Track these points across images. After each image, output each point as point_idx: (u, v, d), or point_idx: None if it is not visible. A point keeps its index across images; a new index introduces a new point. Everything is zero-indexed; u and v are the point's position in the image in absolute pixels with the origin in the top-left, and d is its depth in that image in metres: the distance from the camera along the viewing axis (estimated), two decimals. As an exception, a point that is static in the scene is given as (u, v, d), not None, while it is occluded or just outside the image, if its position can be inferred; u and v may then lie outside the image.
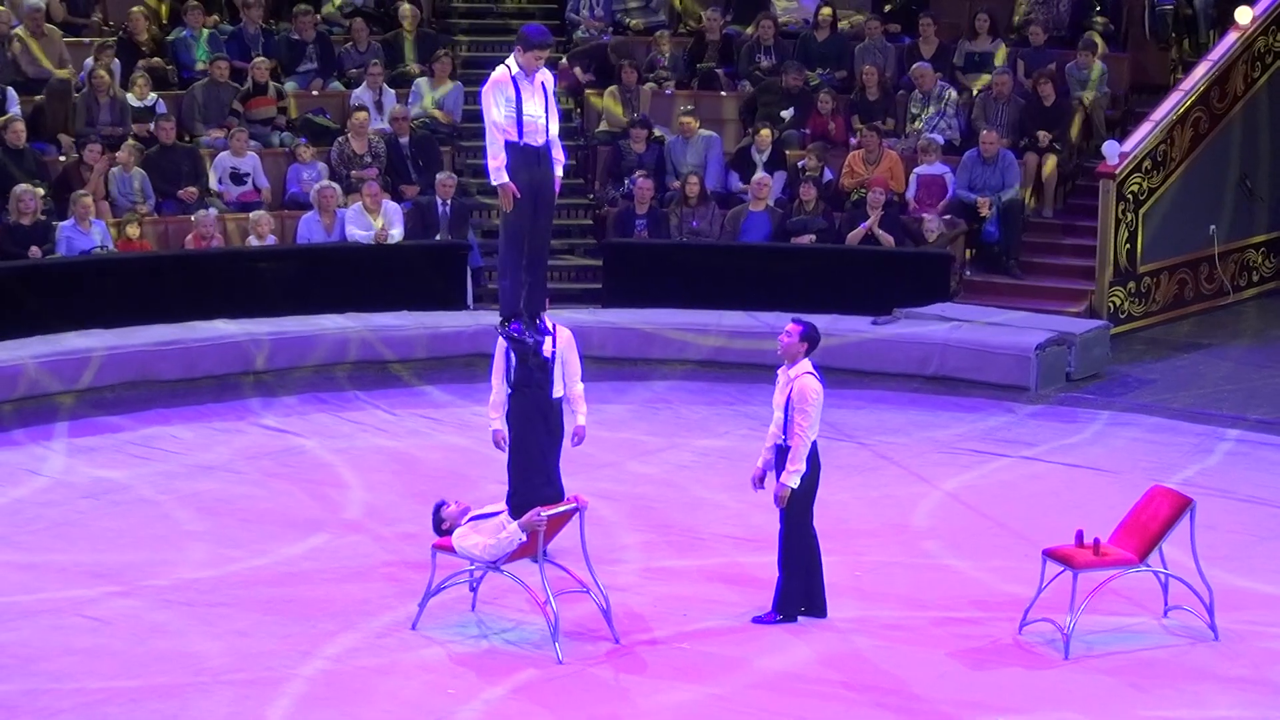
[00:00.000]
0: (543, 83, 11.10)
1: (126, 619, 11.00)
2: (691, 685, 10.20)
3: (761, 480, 11.18)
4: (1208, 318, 19.05)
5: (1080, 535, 10.85)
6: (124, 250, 17.25)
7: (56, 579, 11.70)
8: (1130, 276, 18.44)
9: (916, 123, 19.51)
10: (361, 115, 18.79)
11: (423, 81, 19.77)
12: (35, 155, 17.81)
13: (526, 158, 11.02)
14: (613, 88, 20.20)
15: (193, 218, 17.65)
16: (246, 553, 12.24)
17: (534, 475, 11.04)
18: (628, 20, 21.45)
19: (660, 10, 21.60)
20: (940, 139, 19.15)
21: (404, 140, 18.98)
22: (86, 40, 19.66)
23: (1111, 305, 18.22)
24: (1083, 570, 10.67)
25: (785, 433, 10.91)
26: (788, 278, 17.82)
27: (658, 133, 19.63)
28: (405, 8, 20.46)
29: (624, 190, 19.10)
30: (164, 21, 20.39)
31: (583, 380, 11.57)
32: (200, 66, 19.52)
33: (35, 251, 16.78)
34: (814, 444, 10.93)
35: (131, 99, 18.73)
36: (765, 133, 19.16)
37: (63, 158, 18.10)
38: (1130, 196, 18.27)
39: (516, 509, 10.74)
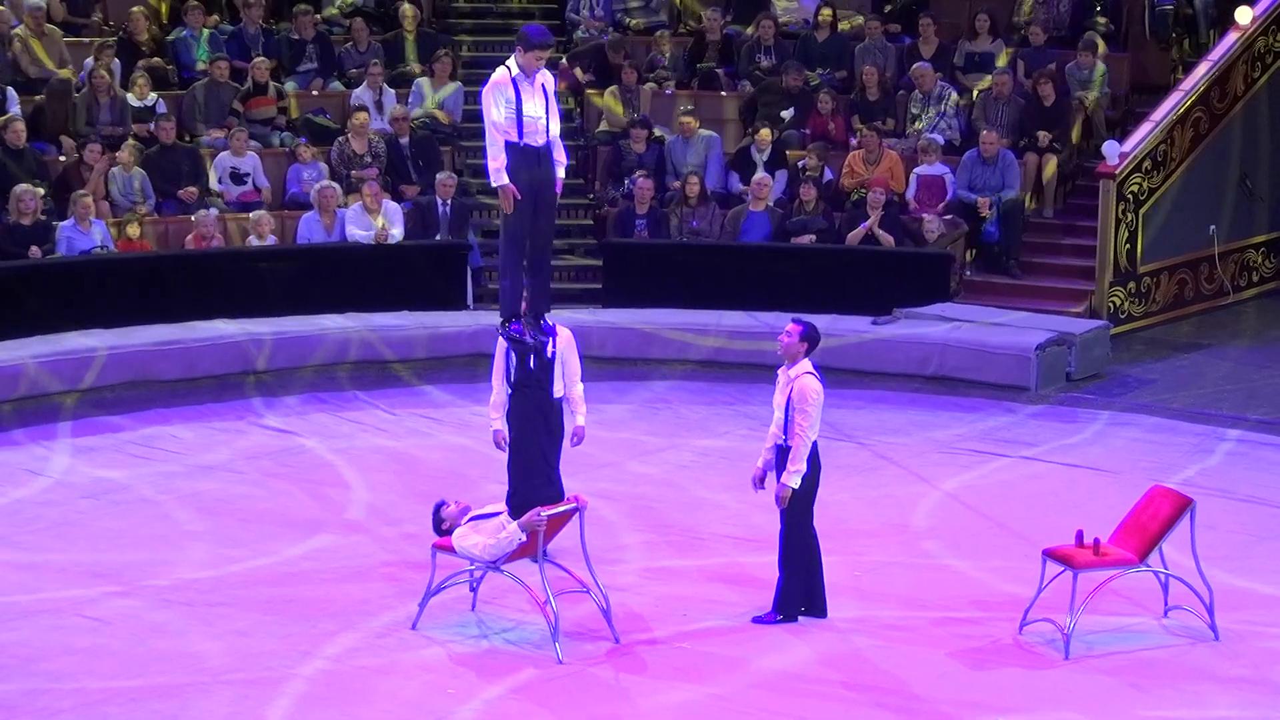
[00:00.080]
0: (543, 84, 11.10)
1: (126, 619, 11.00)
2: (691, 685, 10.20)
3: (762, 480, 11.18)
4: (1208, 318, 19.06)
5: (1080, 535, 10.85)
6: (124, 250, 17.25)
7: (56, 579, 11.70)
8: (1130, 277, 18.44)
9: (918, 123, 19.51)
10: (362, 116, 18.79)
11: (424, 81, 19.77)
12: (35, 155, 17.81)
13: (527, 158, 11.03)
14: (613, 87, 20.20)
15: (193, 218, 17.66)
16: (246, 553, 12.24)
17: (534, 475, 11.05)
18: (628, 20, 21.45)
19: (661, 10, 21.60)
20: (940, 139, 19.15)
21: (404, 140, 18.99)
22: (86, 40, 19.67)
23: (1112, 305, 18.22)
24: (1083, 570, 10.67)
25: (785, 433, 10.91)
26: (788, 278, 17.82)
27: (658, 133, 19.63)
28: (406, 8, 20.46)
29: (624, 190, 19.10)
30: (164, 21, 20.41)
31: (583, 380, 11.57)
32: (200, 66, 19.53)
33: (35, 251, 16.78)
34: (814, 444, 10.93)
35: (132, 99, 18.73)
36: (765, 133, 19.16)
37: (63, 158, 18.11)
38: (1130, 197, 18.27)
39: (516, 509, 10.74)
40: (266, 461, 14.37)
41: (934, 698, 10.07)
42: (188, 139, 18.87)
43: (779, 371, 11.13)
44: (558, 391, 11.31)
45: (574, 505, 10.79)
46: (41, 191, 17.20)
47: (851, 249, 18.17)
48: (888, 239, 18.11)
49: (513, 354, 11.16)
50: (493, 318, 12.71)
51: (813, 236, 18.38)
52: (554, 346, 11.25)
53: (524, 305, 11.22)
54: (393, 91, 19.62)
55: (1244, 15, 19.03)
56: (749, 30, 20.79)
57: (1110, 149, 18.20)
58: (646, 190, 18.64)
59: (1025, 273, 18.69)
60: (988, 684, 10.27)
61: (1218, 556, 11.61)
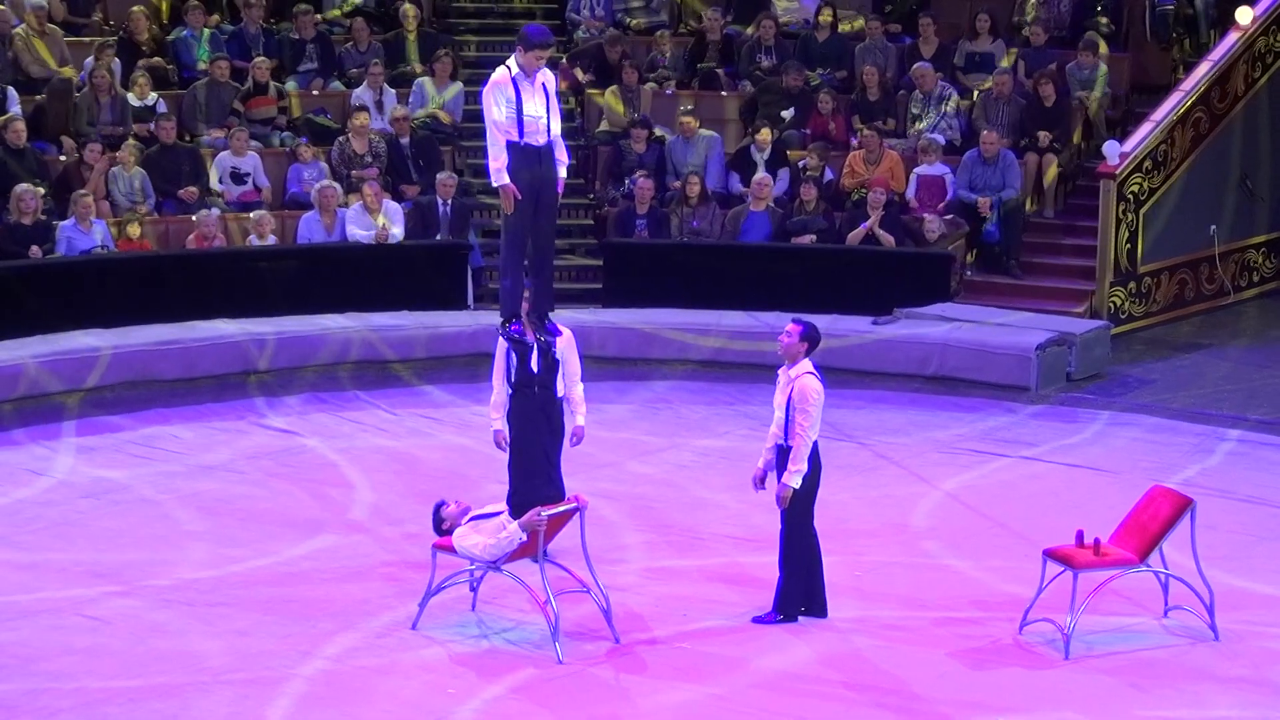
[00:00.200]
0: (544, 83, 11.11)
1: (126, 619, 11.00)
2: (691, 685, 10.20)
3: (762, 480, 11.18)
4: (1208, 318, 19.06)
5: (1080, 535, 10.85)
6: (124, 250, 17.25)
7: (56, 579, 11.70)
8: (1131, 277, 18.44)
9: (919, 123, 19.50)
10: (362, 116, 18.79)
11: (426, 81, 19.76)
12: (36, 155, 17.81)
13: (528, 157, 11.04)
14: (614, 87, 20.20)
15: (194, 218, 17.66)
16: (246, 552, 12.24)
17: (535, 475, 11.05)
18: (629, 20, 21.45)
19: (661, 10, 21.60)
20: (941, 139, 19.15)
21: (404, 140, 18.98)
22: (87, 40, 19.67)
23: (1112, 305, 18.23)
24: (1083, 570, 10.67)
25: (786, 433, 10.91)
26: (788, 278, 17.82)
27: (658, 132, 19.63)
28: (407, 7, 20.45)
29: (624, 190, 19.10)
30: (165, 21, 20.42)
31: (583, 380, 11.57)
32: (201, 66, 19.53)
33: (35, 251, 16.78)
34: (815, 444, 10.93)
35: (132, 98, 18.73)
36: (765, 133, 19.16)
37: (63, 157, 18.11)
38: (1131, 197, 18.27)
39: (517, 509, 10.75)
40: (267, 461, 14.37)
41: (934, 698, 10.07)
42: (188, 139, 18.88)
43: (779, 371, 11.13)
44: (558, 392, 11.31)
45: (574, 505, 10.79)
46: (42, 191, 17.21)
47: (852, 249, 18.16)
48: (888, 239, 18.11)
49: (513, 354, 11.17)
50: (493, 318, 12.71)
51: (813, 236, 18.38)
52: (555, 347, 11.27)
53: (525, 305, 11.23)
54: (393, 91, 19.62)
55: (1244, 15, 19.03)
56: (749, 30, 20.79)
57: (1111, 149, 18.20)
58: (647, 190, 18.64)
59: (1026, 273, 18.69)
60: (988, 684, 10.27)
61: (1218, 557, 11.61)
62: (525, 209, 11.06)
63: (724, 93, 20.45)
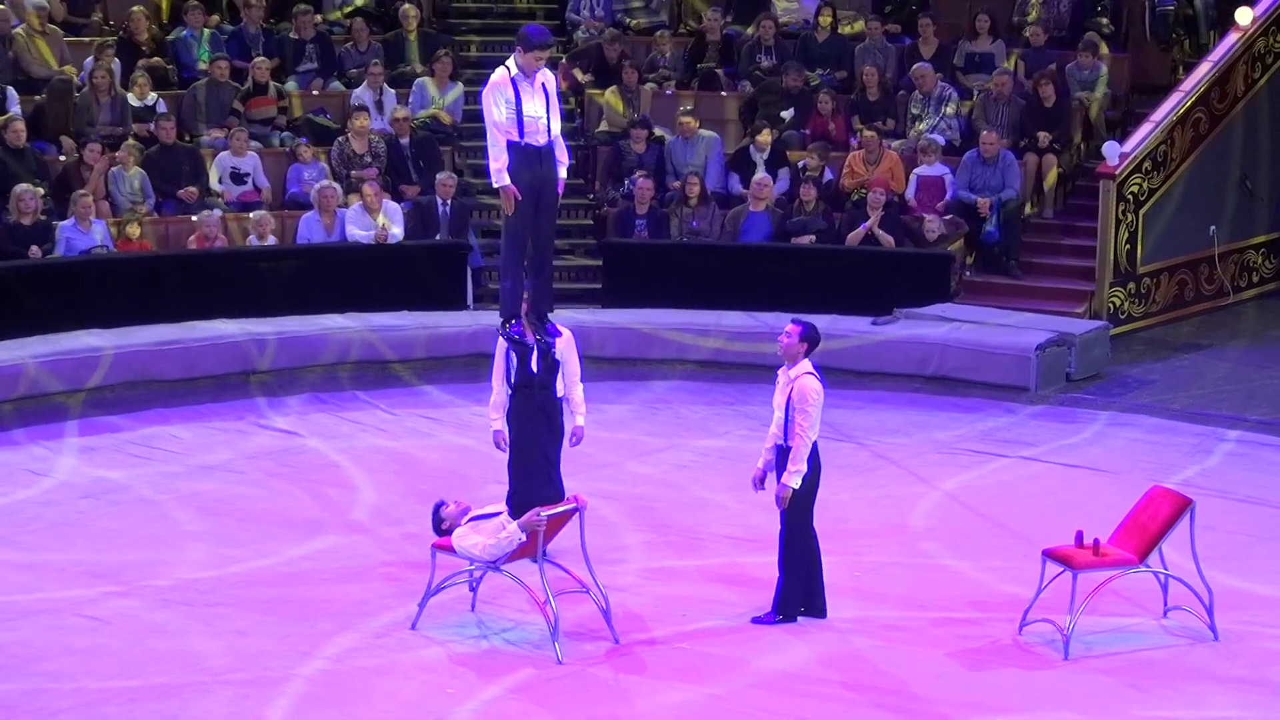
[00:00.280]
0: (543, 83, 11.11)
1: (125, 619, 11.00)
2: (691, 685, 10.20)
3: (762, 481, 11.18)
4: (1208, 318, 19.05)
5: (1080, 536, 10.85)
6: (124, 250, 17.25)
7: (55, 579, 11.70)
8: (1130, 277, 18.44)
9: (919, 124, 19.50)
10: (362, 118, 18.77)
11: (428, 81, 19.74)
12: (35, 155, 17.81)
13: (528, 157, 11.04)
14: (614, 87, 20.20)
15: (194, 218, 17.66)
16: (246, 553, 12.24)
17: (534, 475, 11.04)
18: (629, 20, 21.45)
19: (661, 10, 21.60)
20: (941, 139, 19.15)
21: (404, 140, 18.98)
22: (87, 40, 19.66)
23: (1111, 306, 18.23)
24: (1082, 571, 10.67)
25: (785, 433, 10.91)
26: (788, 278, 17.81)
27: (658, 133, 19.63)
28: (407, 8, 20.45)
29: (624, 190, 19.10)
30: (164, 21, 20.41)
31: (583, 381, 11.57)
32: (201, 66, 19.52)
33: (35, 251, 16.78)
34: (814, 444, 10.93)
35: (132, 99, 18.73)
36: (765, 133, 19.15)
37: (63, 157, 18.10)
38: (1130, 197, 18.27)
39: (516, 509, 10.75)
40: (266, 461, 14.37)
41: (933, 698, 10.07)
42: (188, 139, 18.87)
43: (779, 372, 11.13)
44: (558, 392, 11.31)
45: (574, 505, 10.79)
46: (41, 191, 17.21)
47: (851, 249, 18.16)
48: (888, 239, 18.11)
49: (513, 354, 11.16)
50: (493, 318, 12.70)
51: (813, 237, 18.37)
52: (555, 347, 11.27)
53: (525, 306, 11.22)
54: (393, 92, 19.61)
55: (1244, 16, 19.02)
56: (749, 30, 20.78)
57: (1110, 149, 18.20)
58: (646, 190, 18.64)
59: (1025, 273, 18.69)
60: (987, 684, 10.27)
61: (1217, 557, 11.60)
62: (526, 209, 11.06)
63: (724, 93, 20.44)
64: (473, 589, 11.11)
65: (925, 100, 19.60)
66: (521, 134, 11.01)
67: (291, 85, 19.81)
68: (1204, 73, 18.86)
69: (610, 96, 20.14)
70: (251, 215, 17.83)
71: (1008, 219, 18.59)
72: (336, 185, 18.20)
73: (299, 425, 15.36)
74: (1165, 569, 10.94)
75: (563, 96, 18.23)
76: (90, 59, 18.95)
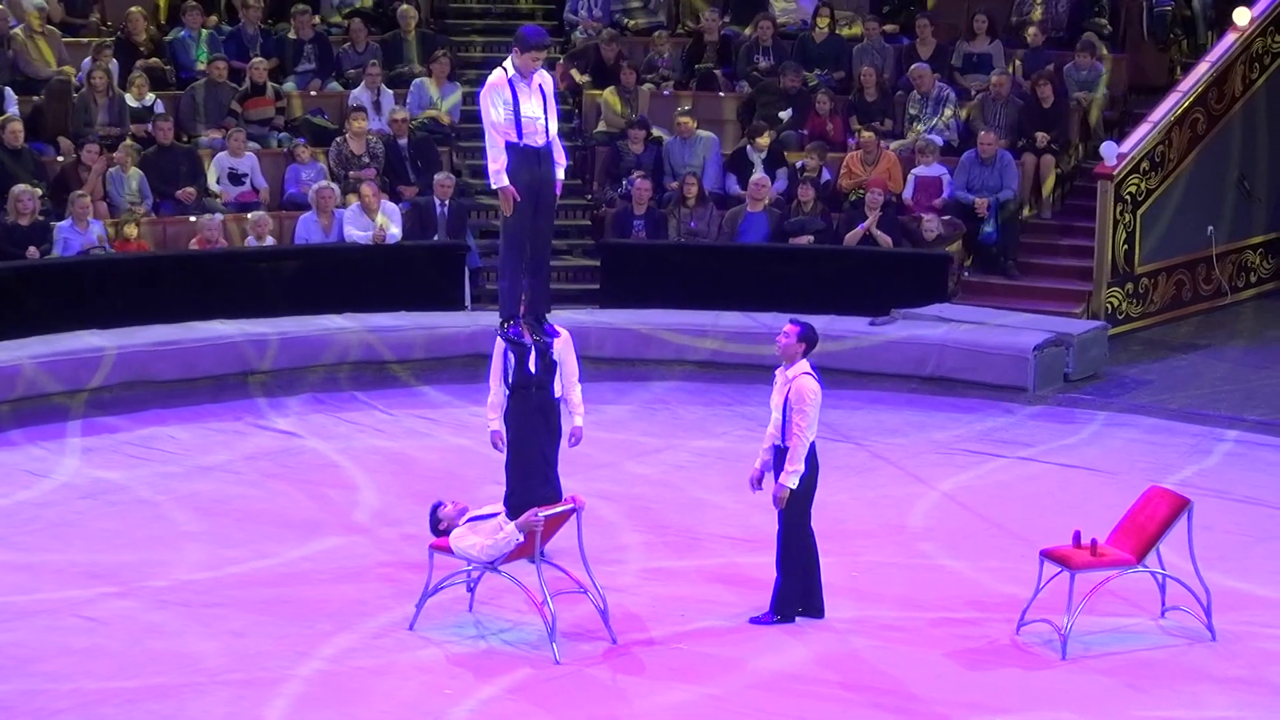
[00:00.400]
0: (541, 84, 11.11)
1: (123, 619, 11.00)
2: (688, 686, 10.20)
3: (760, 481, 11.18)
4: (1206, 319, 19.06)
5: (1078, 536, 10.85)
6: (123, 251, 17.24)
7: (53, 579, 11.69)
8: (1128, 277, 18.45)
9: (917, 125, 19.50)
10: (360, 118, 18.77)
11: (428, 82, 19.74)
12: (33, 155, 17.81)
13: (527, 158, 11.05)
14: (611, 87, 20.20)
15: (192, 218, 17.66)
16: (243, 553, 12.24)
17: (532, 476, 11.04)
18: (627, 20, 21.45)
19: (659, 11, 21.60)
20: (939, 140, 19.16)
21: (402, 141, 18.98)
22: (84, 40, 19.67)
23: (1109, 306, 18.23)
24: (1080, 571, 10.67)
25: (783, 434, 10.91)
26: (786, 279, 17.82)
27: (656, 133, 19.63)
28: (406, 8, 20.45)
29: (622, 191, 19.10)
30: (162, 21, 20.41)
31: (580, 381, 11.56)
32: (199, 67, 19.53)
33: (33, 252, 16.78)
34: (812, 444, 10.94)
35: (130, 99, 18.73)
36: (763, 134, 19.14)
37: (61, 158, 18.10)
38: (1128, 197, 18.27)
39: (514, 509, 10.75)
40: (264, 462, 14.37)
41: (931, 698, 10.07)
42: (186, 139, 18.86)
43: (777, 372, 11.13)
44: (556, 392, 11.31)
45: (571, 506, 10.80)
46: (39, 192, 17.20)
47: (849, 250, 18.16)
48: (885, 240, 18.11)
49: (511, 355, 11.16)
50: (491, 318, 12.72)
51: (810, 237, 18.38)
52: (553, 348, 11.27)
53: (523, 306, 11.23)
54: (391, 92, 19.61)
55: (1242, 16, 19.03)
56: (747, 31, 20.79)
57: (1108, 150, 18.20)
58: (644, 191, 18.64)
59: (1023, 273, 18.70)
60: (985, 684, 10.28)
61: (1215, 557, 11.62)
62: (524, 210, 11.07)
63: (722, 94, 20.45)
64: (470, 589, 11.11)
65: (923, 101, 19.61)
66: (520, 135, 11.01)
67: (289, 86, 19.81)
68: (1202, 73, 18.87)
69: (608, 97, 20.15)
70: (249, 216, 17.83)
71: (1006, 219, 18.60)
72: (334, 186, 18.20)
73: (297, 426, 15.36)
74: (1163, 569, 10.94)
75: (560, 97, 18.25)
76: (88, 59, 18.95)
